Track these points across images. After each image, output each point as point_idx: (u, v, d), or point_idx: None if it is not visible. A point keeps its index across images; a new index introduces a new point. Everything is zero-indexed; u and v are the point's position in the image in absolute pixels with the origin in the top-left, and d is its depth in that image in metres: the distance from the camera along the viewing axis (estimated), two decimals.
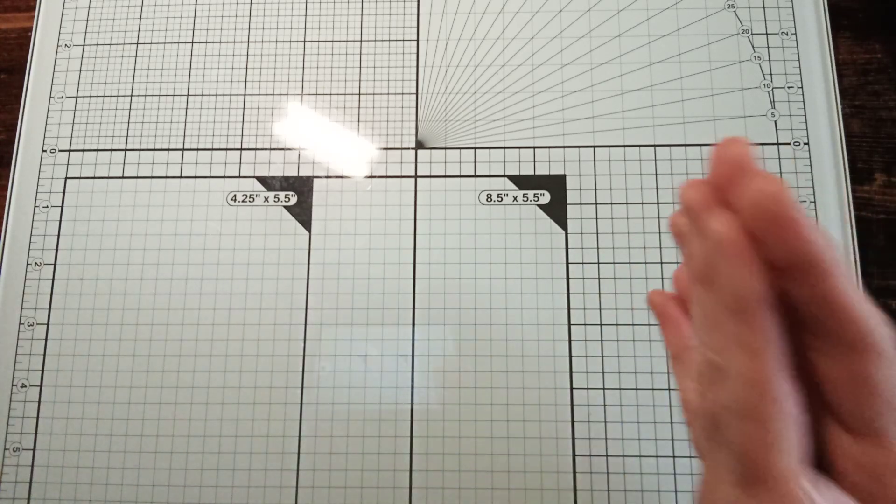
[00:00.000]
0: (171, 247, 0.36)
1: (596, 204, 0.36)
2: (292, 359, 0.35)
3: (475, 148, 0.37)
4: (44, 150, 0.38)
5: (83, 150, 0.38)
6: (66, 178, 0.37)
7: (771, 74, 0.37)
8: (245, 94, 0.38)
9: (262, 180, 0.37)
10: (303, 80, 0.39)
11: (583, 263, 0.35)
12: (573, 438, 0.33)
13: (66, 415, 0.34)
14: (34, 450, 0.34)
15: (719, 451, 0.18)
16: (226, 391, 0.34)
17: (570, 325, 0.34)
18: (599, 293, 0.35)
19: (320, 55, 0.39)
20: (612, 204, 0.36)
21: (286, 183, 0.37)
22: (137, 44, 0.39)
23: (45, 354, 0.35)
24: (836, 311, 0.16)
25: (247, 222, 0.37)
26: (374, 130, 0.38)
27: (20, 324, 0.35)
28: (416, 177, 0.37)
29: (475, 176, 0.37)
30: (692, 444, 0.20)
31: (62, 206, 0.37)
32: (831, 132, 0.36)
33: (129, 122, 0.38)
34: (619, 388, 0.34)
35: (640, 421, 0.33)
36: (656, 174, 0.36)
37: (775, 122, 0.37)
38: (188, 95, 0.38)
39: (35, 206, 0.37)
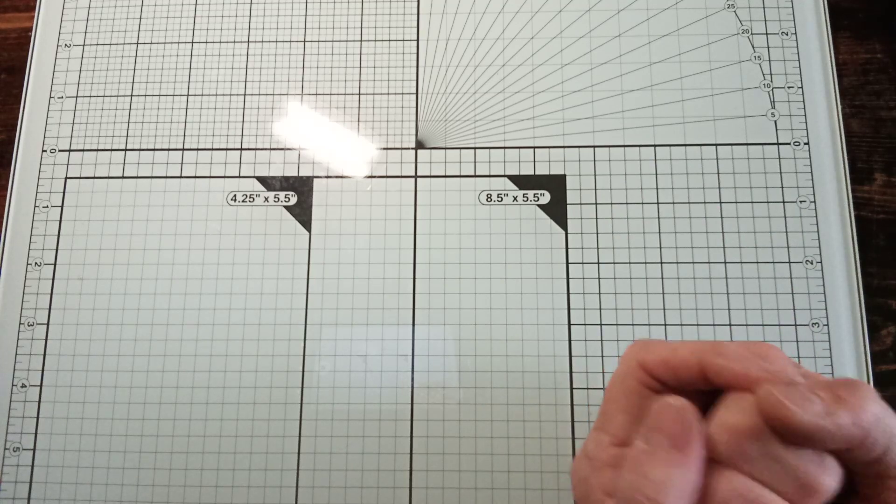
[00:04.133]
0: (171, 247, 0.36)
1: (596, 204, 0.36)
2: (292, 359, 0.35)
3: (475, 148, 0.37)
4: (44, 150, 0.38)
5: (83, 150, 0.38)
6: (66, 178, 0.37)
7: (771, 74, 0.37)
8: (245, 94, 0.38)
9: (262, 180, 0.37)
10: (303, 80, 0.39)
11: (583, 263, 0.35)
12: (573, 438, 0.33)
13: (66, 415, 0.34)
14: (34, 450, 0.34)
15: None
16: (226, 391, 0.34)
17: (570, 325, 0.34)
18: (599, 293, 0.35)
19: (320, 55, 0.39)
20: (612, 204, 0.36)
21: (286, 183, 0.37)
22: (137, 44, 0.39)
23: (45, 354, 0.35)
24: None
25: (247, 222, 0.37)
26: (374, 130, 0.38)
27: (20, 324, 0.35)
28: (416, 177, 0.37)
29: (475, 176, 0.37)
30: None
31: (62, 206, 0.37)
32: (831, 132, 0.36)
33: (129, 122, 0.38)
34: None
35: None
36: (656, 174, 0.36)
37: (775, 122, 0.37)
38: (188, 95, 0.38)
39: (35, 206, 0.37)
